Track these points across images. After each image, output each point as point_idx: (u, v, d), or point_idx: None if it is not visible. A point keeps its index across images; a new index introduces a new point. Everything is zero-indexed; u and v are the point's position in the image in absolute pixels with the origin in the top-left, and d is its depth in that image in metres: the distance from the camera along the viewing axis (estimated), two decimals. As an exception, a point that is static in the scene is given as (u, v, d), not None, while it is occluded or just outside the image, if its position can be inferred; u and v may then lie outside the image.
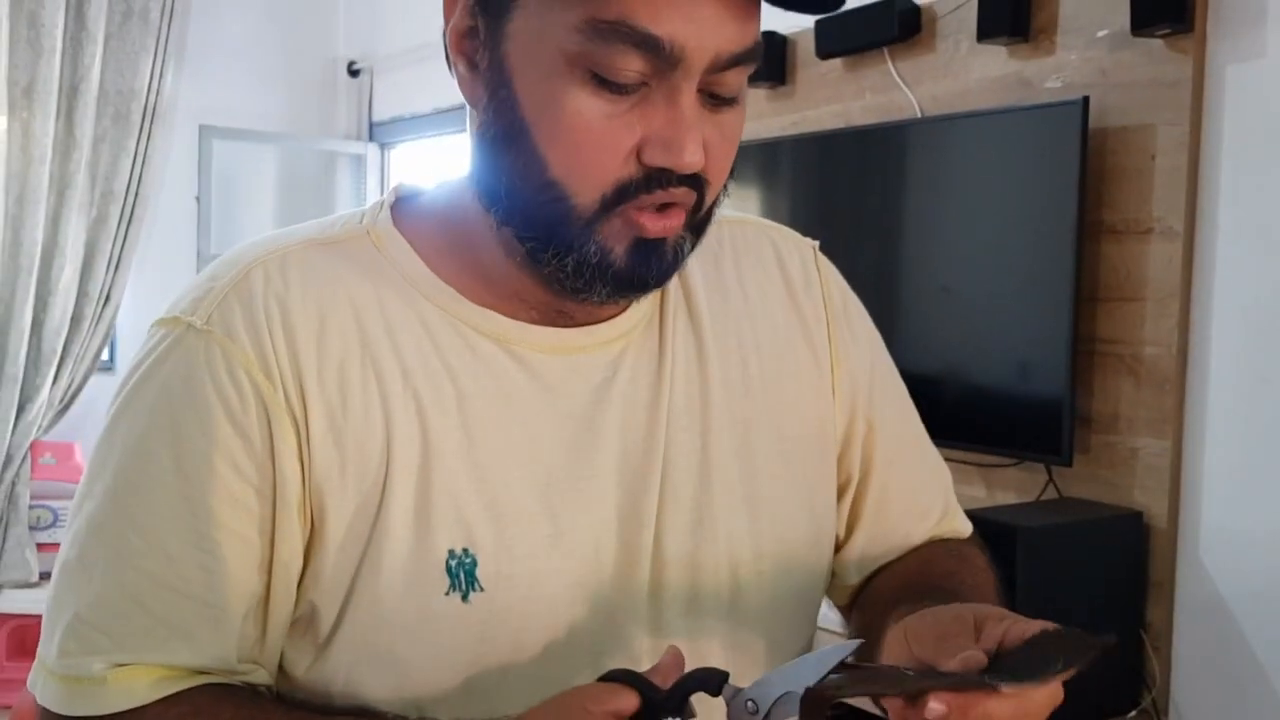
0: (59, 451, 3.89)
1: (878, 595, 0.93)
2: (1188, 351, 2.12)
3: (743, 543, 0.86)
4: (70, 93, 3.74)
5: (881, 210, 2.56)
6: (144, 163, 3.90)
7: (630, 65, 0.71)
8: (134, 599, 0.75)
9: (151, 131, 3.91)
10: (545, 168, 0.74)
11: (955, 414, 2.34)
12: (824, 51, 2.70)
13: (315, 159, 4.64)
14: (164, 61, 3.93)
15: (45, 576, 3.66)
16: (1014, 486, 2.37)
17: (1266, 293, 2.03)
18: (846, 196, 2.66)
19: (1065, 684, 0.70)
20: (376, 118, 4.55)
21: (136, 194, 3.90)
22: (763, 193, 2.81)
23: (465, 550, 0.77)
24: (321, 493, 0.76)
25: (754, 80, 3.11)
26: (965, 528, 1.01)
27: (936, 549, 0.97)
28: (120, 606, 0.75)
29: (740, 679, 0.85)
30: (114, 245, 3.87)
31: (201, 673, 0.76)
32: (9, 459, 3.75)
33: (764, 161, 2.78)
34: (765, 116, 2.88)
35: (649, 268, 0.76)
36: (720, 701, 0.69)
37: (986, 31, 2.35)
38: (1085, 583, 2.07)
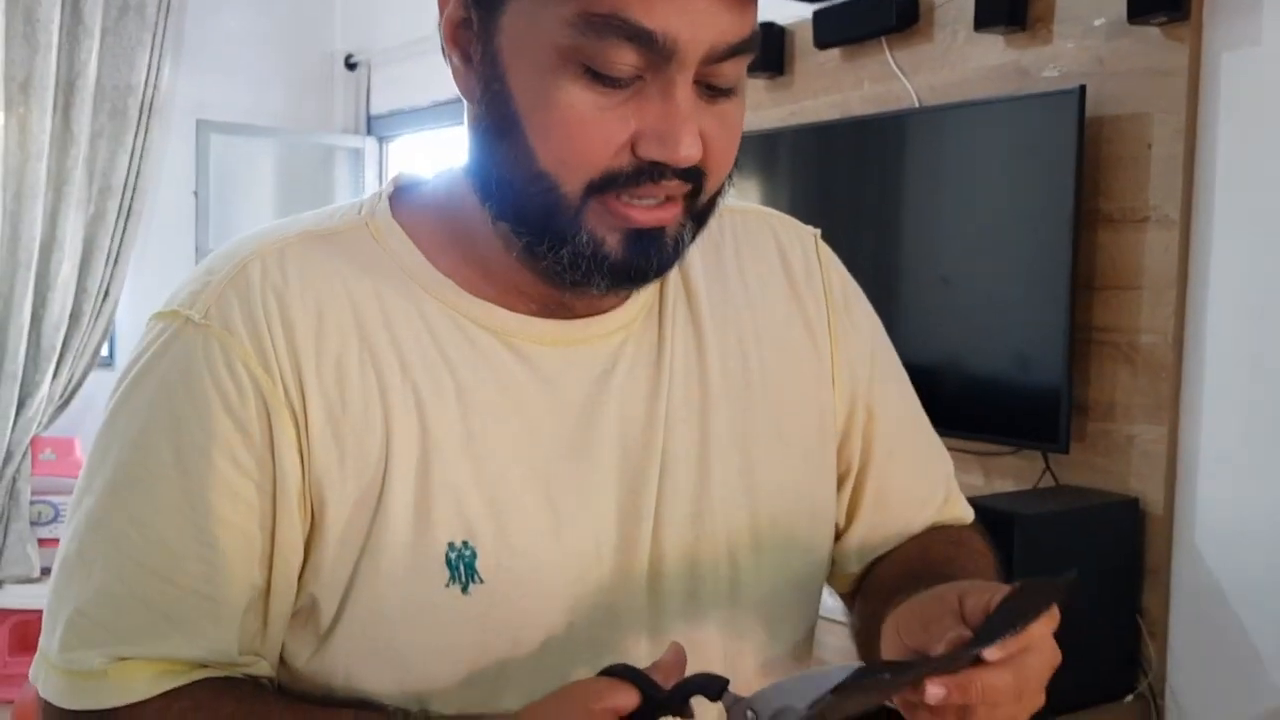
0: (59, 447, 3.90)
1: (878, 584, 0.93)
2: (1184, 339, 2.13)
3: (742, 534, 0.86)
4: (67, 88, 3.73)
5: (879, 200, 2.56)
6: (142, 157, 3.90)
7: (623, 59, 0.70)
8: (134, 593, 0.75)
9: (149, 126, 3.90)
10: (535, 159, 0.73)
11: (952, 402, 2.34)
12: (822, 42, 2.70)
13: (313, 153, 4.64)
14: (161, 56, 3.92)
15: (46, 572, 3.63)
16: (1011, 474, 2.37)
17: (1262, 280, 2.03)
18: (844, 187, 2.66)
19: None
20: (374, 111, 4.54)
21: (134, 189, 3.90)
22: (761, 183, 2.81)
23: (465, 543, 0.77)
24: (321, 486, 0.76)
25: (752, 71, 3.09)
26: (967, 514, 1.01)
27: (936, 536, 0.97)
28: (120, 600, 0.75)
29: (739, 668, 0.85)
30: (112, 240, 3.87)
31: (203, 666, 0.76)
32: (9, 455, 3.75)
33: (762, 152, 2.78)
34: (764, 107, 2.88)
35: (648, 258, 0.76)
36: (717, 706, 0.69)
37: (984, 21, 2.35)
38: (1082, 569, 2.06)
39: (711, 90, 0.74)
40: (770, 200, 2.76)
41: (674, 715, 0.69)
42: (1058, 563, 2.01)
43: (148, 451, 0.76)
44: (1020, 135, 2.28)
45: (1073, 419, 2.20)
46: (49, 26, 3.64)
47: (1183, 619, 2.14)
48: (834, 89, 2.75)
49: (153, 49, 3.90)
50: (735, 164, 0.79)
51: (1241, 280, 2.06)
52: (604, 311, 0.84)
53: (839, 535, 0.96)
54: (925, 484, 0.99)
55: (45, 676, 0.77)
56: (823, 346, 0.93)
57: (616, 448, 0.83)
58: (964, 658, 0.66)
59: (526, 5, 0.72)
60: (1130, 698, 2.15)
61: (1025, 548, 1.97)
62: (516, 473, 0.79)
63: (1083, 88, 2.13)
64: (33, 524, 3.80)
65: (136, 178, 3.90)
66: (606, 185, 0.73)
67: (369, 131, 4.56)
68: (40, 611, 0.81)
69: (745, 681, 0.77)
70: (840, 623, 1.00)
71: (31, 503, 3.81)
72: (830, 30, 2.67)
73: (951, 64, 2.49)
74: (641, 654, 0.82)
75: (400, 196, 0.86)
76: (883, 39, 2.60)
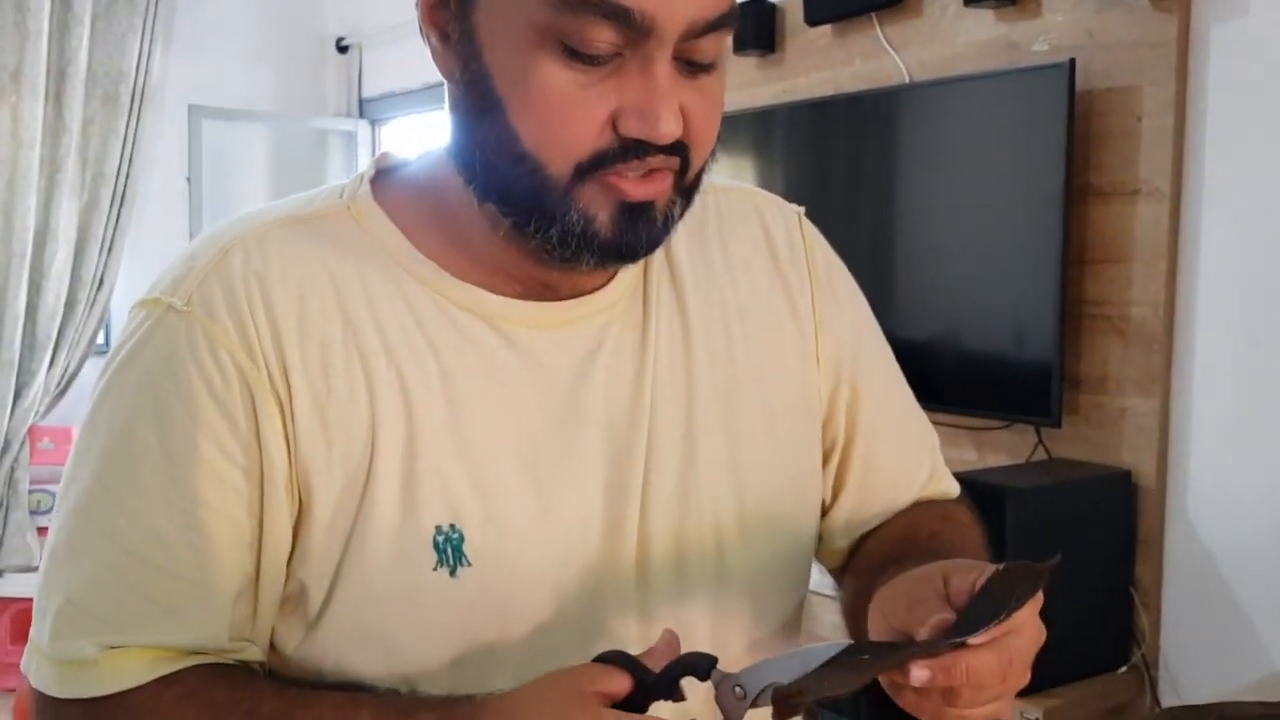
0: (57, 436, 3.90)
1: (866, 560, 0.94)
2: (1175, 312, 2.13)
3: (728, 512, 0.86)
4: (58, 76, 3.73)
5: (871, 177, 2.56)
6: (134, 144, 3.89)
7: (601, 36, 0.70)
8: (123, 581, 0.75)
9: (141, 113, 3.90)
10: (518, 140, 0.73)
11: (945, 378, 2.35)
12: (813, 19, 2.70)
13: (306, 137, 4.63)
14: (151, 42, 3.91)
15: (48, 559, 3.67)
16: (1004, 448, 2.38)
17: (1253, 252, 2.03)
18: (836, 164, 2.66)
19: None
20: (366, 94, 4.52)
21: (127, 176, 3.89)
22: (753, 162, 2.81)
23: (452, 526, 0.77)
24: (308, 472, 0.76)
25: (743, 49, 3.08)
26: (953, 489, 1.01)
27: (923, 511, 0.97)
28: (110, 589, 0.75)
29: (727, 645, 0.85)
30: (106, 228, 3.87)
31: (194, 653, 0.76)
32: (7, 444, 3.76)
33: (754, 130, 2.77)
34: (755, 85, 2.87)
35: (637, 234, 0.75)
36: (707, 685, 0.69)
37: (973, -6, 2.35)
38: (1075, 542, 2.08)
39: (691, 66, 0.73)
40: (762, 178, 2.76)
41: (664, 698, 0.69)
42: (1051, 536, 2.02)
43: (134, 440, 0.76)
44: (1010, 109, 2.27)
45: (1064, 393, 2.20)
46: (39, 14, 3.63)
47: (1175, 590, 2.15)
48: (825, 66, 2.74)
49: (143, 35, 3.89)
50: (720, 140, 0.78)
51: (1232, 252, 2.06)
52: (588, 293, 0.84)
53: (825, 512, 0.96)
54: (911, 459, 0.99)
55: (37, 666, 0.77)
56: (806, 323, 0.93)
57: (602, 429, 0.83)
58: (941, 645, 0.66)
59: None
60: (1124, 669, 2.16)
61: (1019, 522, 1.97)
62: (503, 455, 0.79)
63: (1072, 61, 2.12)
64: (32, 513, 3.81)
65: (129, 165, 3.89)
66: (597, 165, 0.73)
67: (361, 115, 4.55)
68: (41, 600, 0.81)
69: (734, 660, 0.77)
70: (832, 598, 1.00)
71: (30, 491, 3.83)
72: (821, 7, 2.67)
73: (942, 39, 2.49)
74: (629, 634, 0.82)
75: (382, 179, 0.85)
76: (873, 15, 2.60)
